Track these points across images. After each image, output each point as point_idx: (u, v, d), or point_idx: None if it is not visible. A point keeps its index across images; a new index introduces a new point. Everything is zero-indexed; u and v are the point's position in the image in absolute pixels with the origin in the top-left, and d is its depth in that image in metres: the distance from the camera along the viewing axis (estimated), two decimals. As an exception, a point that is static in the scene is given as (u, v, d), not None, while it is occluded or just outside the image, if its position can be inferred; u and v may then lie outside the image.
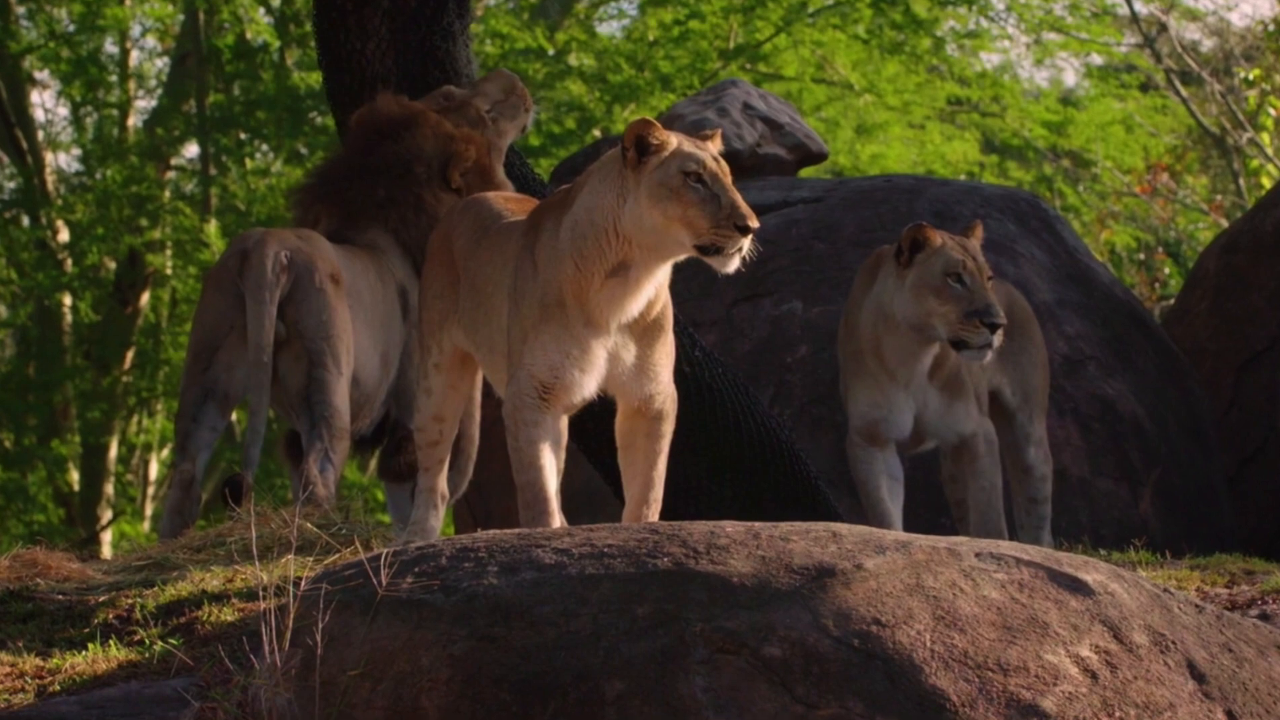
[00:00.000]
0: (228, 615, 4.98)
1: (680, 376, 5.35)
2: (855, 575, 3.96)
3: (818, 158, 10.20)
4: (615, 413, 5.10)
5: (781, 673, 3.80)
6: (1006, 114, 19.37)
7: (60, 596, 5.28)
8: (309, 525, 5.72)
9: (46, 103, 33.35)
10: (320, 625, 4.00)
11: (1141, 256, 19.82)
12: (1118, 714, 3.85)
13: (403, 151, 7.01)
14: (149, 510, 19.25)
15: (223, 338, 6.67)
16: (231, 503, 6.27)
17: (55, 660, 4.75)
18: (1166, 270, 19.39)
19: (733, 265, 4.72)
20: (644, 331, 4.95)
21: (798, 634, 3.84)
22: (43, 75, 19.26)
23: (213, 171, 18.32)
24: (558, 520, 4.96)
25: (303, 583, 4.17)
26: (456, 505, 8.62)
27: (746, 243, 4.70)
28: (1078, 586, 4.08)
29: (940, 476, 7.00)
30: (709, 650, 3.83)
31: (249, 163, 18.83)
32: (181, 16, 18.75)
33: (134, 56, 19.44)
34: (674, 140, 4.78)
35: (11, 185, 18.91)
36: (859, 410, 6.55)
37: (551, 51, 18.44)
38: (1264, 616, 4.95)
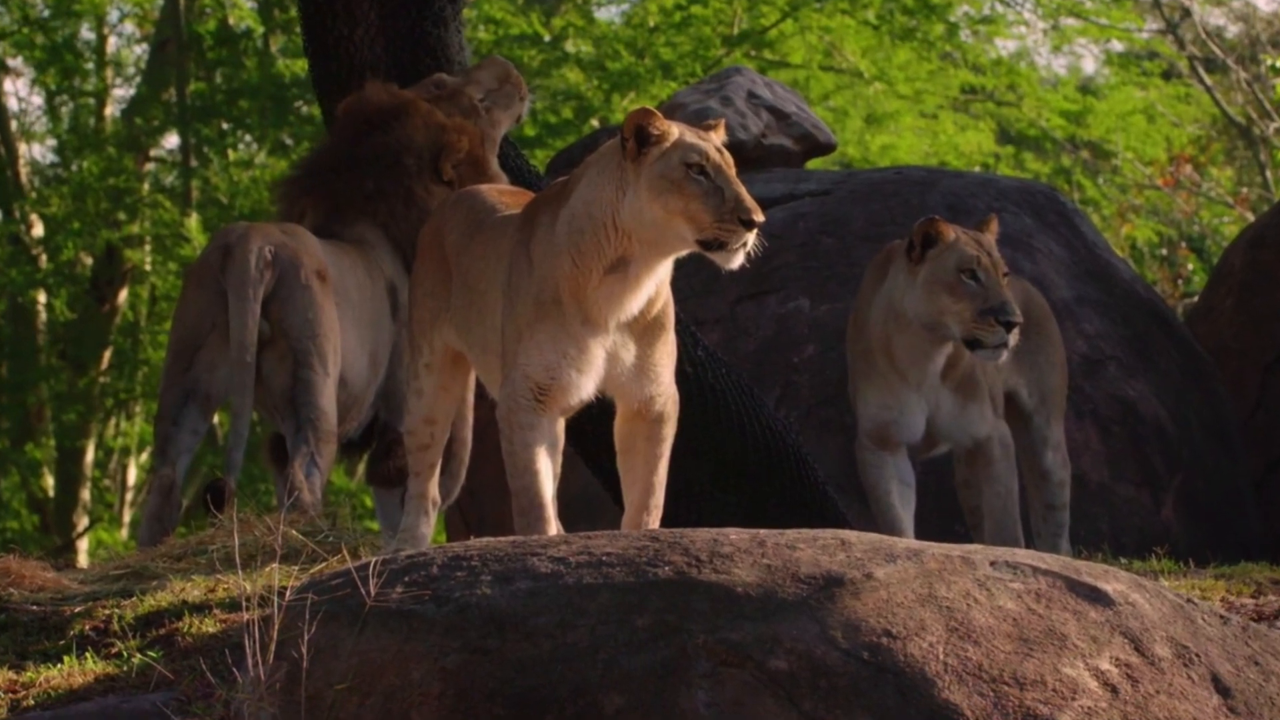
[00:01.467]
0: (209, 626, 4.98)
1: (682, 377, 5.36)
2: (865, 585, 3.96)
3: (825, 149, 10.20)
4: (614, 415, 5.10)
5: (788, 686, 3.80)
6: (1023, 103, 19.37)
7: (35, 607, 5.28)
8: (294, 533, 5.72)
9: (20, 91, 33.38)
10: (306, 637, 4.00)
11: (1164, 252, 19.83)
12: (1139, 730, 3.85)
13: (392, 142, 7.01)
14: (127, 517, 19.26)
15: (204, 337, 6.67)
16: (213, 509, 6.27)
17: (29, 674, 4.75)
18: (1190, 266, 19.40)
19: (737, 261, 4.73)
20: (644, 330, 4.95)
21: (805, 646, 3.84)
22: (16, 62, 19.26)
23: (194, 163, 18.32)
24: (554, 527, 4.96)
25: (288, 593, 4.17)
26: (448, 512, 8.62)
27: (751, 237, 4.71)
28: (1097, 597, 4.08)
29: (954, 481, 7.00)
30: (712, 663, 3.83)
31: (231, 154, 18.83)
32: (161, 1, 18.75)
33: (111, 43, 19.45)
34: (675, 130, 4.78)
35: (-17, 178, 18.91)
36: (869, 412, 6.56)
37: (548, 38, 18.44)
38: (1292, 628, 4.95)
